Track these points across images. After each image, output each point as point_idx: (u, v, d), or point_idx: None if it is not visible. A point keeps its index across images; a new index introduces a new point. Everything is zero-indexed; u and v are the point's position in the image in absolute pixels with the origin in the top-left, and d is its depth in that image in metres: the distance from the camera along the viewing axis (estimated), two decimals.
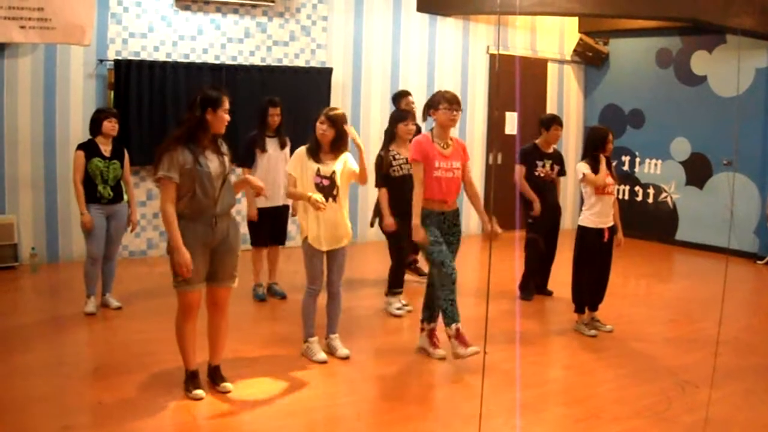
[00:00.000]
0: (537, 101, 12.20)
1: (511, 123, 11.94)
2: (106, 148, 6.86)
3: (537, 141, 7.83)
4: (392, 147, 7.00)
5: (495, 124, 12.03)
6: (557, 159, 7.88)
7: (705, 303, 8.02)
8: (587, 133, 7.16)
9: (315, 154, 5.73)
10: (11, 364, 5.53)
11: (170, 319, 5.02)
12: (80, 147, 6.86)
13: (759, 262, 10.30)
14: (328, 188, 5.69)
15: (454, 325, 5.68)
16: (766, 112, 10.37)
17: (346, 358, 5.88)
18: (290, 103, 9.48)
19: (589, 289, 6.75)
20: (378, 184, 7.07)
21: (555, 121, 7.75)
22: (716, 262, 10.29)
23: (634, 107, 12.18)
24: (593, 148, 6.64)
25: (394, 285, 7.28)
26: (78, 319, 6.76)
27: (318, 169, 5.69)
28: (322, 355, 5.81)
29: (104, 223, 6.87)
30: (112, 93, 9.04)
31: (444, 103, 5.77)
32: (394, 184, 6.89)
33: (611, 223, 6.67)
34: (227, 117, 4.89)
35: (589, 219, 6.63)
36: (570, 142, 12.88)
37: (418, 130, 7.25)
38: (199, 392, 4.98)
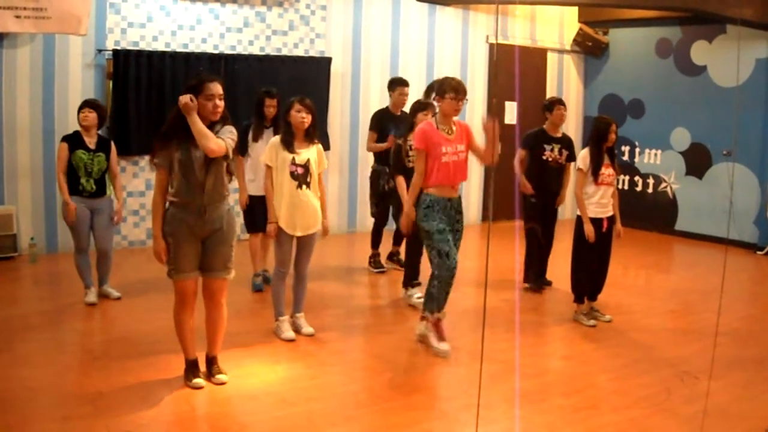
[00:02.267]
0: (536, 91, 12.17)
1: (511, 113, 11.92)
2: (90, 140, 6.83)
3: (544, 126, 7.78)
4: (410, 137, 6.90)
5: (494, 113, 12.01)
6: (566, 144, 7.75)
7: (704, 293, 8.02)
8: (591, 124, 7.14)
9: (289, 143, 5.93)
10: (11, 354, 5.53)
11: (170, 309, 5.03)
12: (64, 139, 6.85)
13: (759, 252, 10.30)
14: (303, 176, 5.92)
15: (437, 314, 5.89)
16: (766, 102, 10.35)
17: (311, 335, 6.17)
18: (289, 92, 9.37)
19: (589, 279, 6.75)
20: (394, 173, 7.10)
21: (558, 102, 7.70)
22: (716, 253, 10.30)
23: (634, 97, 12.17)
24: (596, 138, 6.63)
25: (413, 276, 7.29)
26: (77, 309, 6.76)
27: (293, 158, 5.88)
28: (290, 334, 6.13)
29: (87, 214, 6.84)
30: (111, 83, 9.02)
31: (450, 92, 5.79)
32: (410, 174, 6.76)
33: (610, 213, 6.66)
34: (213, 104, 4.78)
35: (588, 209, 6.62)
36: (570, 131, 12.80)
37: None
38: (199, 381, 5.00)
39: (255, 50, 9.96)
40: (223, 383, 5.07)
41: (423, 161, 5.83)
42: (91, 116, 6.83)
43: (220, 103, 4.82)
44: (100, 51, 8.95)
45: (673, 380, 5.39)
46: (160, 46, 9.32)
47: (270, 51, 10.06)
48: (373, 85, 10.93)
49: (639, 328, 6.72)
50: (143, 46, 9.21)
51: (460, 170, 5.90)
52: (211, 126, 4.85)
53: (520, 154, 7.70)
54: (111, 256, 7.11)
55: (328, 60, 10.40)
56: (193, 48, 9.53)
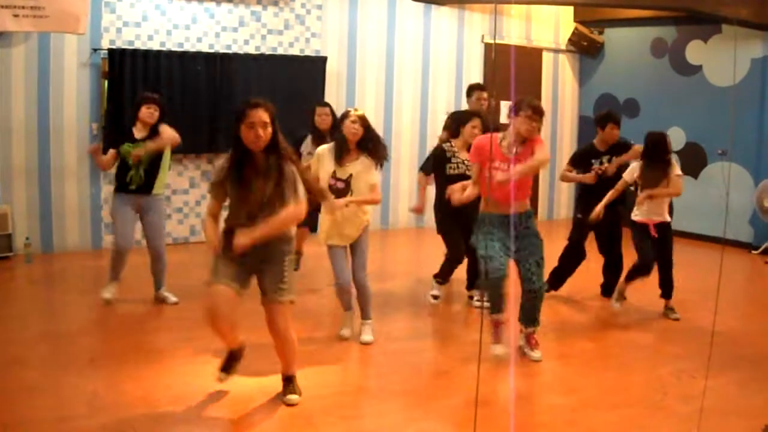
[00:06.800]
0: (532, 90, 12.18)
1: (506, 112, 11.91)
2: (142, 135, 6.66)
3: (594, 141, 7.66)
4: (454, 142, 6.86)
5: (490, 113, 12.00)
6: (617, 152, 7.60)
7: (700, 292, 8.02)
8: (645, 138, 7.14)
9: (339, 155, 5.77)
10: (6, 356, 5.51)
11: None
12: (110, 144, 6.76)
13: (754, 251, 10.32)
14: (342, 191, 5.76)
15: (495, 316, 5.72)
16: (761, 102, 10.38)
17: (368, 343, 6.05)
18: (285, 92, 9.47)
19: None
20: (421, 170, 7.06)
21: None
22: (711, 252, 10.31)
23: (629, 97, 12.17)
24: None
25: (440, 275, 7.18)
26: (73, 308, 6.75)
27: (334, 171, 5.75)
28: (344, 331, 6.14)
29: (128, 211, 6.68)
30: (106, 82, 9.01)
31: (527, 110, 5.55)
32: (449, 182, 6.60)
33: (659, 220, 6.91)
34: (254, 133, 4.41)
35: (638, 216, 6.98)
36: (565, 131, 12.89)
37: (486, 129, 6.96)
38: (223, 375, 4.90)
39: (250, 50, 9.95)
40: (293, 404, 4.78)
41: (476, 173, 5.75)
42: (156, 113, 6.71)
43: (264, 133, 4.44)
44: (95, 50, 8.94)
45: (670, 379, 5.40)
46: (155, 46, 9.32)
47: (265, 50, 10.06)
48: (368, 84, 10.94)
49: (635, 326, 6.74)
50: (138, 45, 9.21)
51: (517, 189, 5.51)
52: (266, 155, 4.52)
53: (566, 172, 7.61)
54: (165, 260, 6.90)
55: (324, 59, 10.39)
56: (188, 47, 9.52)
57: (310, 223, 7.59)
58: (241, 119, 4.44)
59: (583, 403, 4.98)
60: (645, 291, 7.36)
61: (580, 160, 7.51)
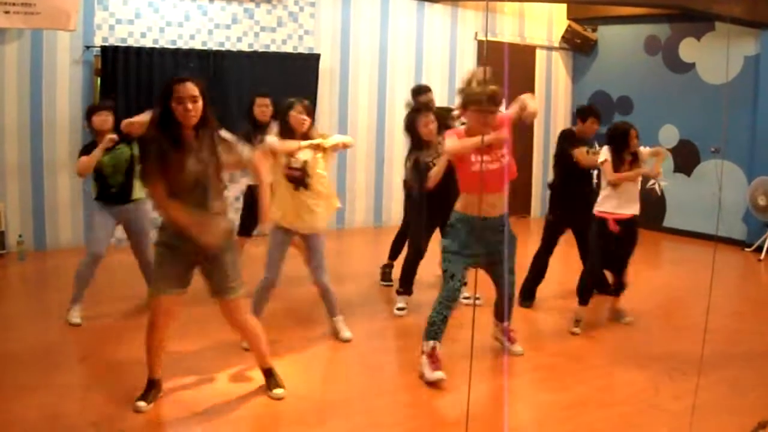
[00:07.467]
0: (525, 88, 11.98)
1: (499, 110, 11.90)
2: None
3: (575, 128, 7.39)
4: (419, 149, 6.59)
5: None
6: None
7: (693, 290, 8.04)
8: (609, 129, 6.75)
9: None
10: None
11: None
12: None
13: (747, 249, 10.34)
14: (300, 178, 5.62)
15: (432, 343, 5.18)
16: (754, 99, 10.39)
17: (348, 340, 6.00)
18: (278, 89, 9.43)
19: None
20: (408, 179, 6.84)
21: (593, 114, 7.19)
22: (704, 250, 10.33)
23: (623, 94, 12.18)
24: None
25: (402, 283, 6.92)
26: (65, 307, 6.71)
27: (289, 161, 5.61)
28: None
29: (109, 219, 6.39)
30: (99, 79, 8.98)
31: (475, 104, 5.09)
32: (426, 171, 6.36)
33: (629, 213, 6.34)
34: (183, 107, 4.26)
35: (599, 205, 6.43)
36: (558, 129, 12.83)
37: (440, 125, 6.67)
38: (141, 404, 4.57)
39: (243, 47, 9.93)
40: (280, 398, 4.81)
41: (445, 165, 5.54)
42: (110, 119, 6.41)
43: (193, 106, 4.29)
44: (88, 47, 8.91)
45: (662, 377, 5.41)
46: (148, 43, 9.28)
47: (258, 48, 10.04)
48: (361, 81, 10.93)
49: (627, 324, 6.73)
50: (131, 42, 9.17)
51: (495, 179, 5.12)
52: (196, 132, 4.38)
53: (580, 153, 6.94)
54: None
55: (317, 56, 10.38)
56: (181, 44, 9.49)
57: (247, 230, 7.30)
58: (169, 95, 4.29)
59: (576, 401, 4.99)
60: (637, 289, 7.37)
61: (577, 143, 7.07)
